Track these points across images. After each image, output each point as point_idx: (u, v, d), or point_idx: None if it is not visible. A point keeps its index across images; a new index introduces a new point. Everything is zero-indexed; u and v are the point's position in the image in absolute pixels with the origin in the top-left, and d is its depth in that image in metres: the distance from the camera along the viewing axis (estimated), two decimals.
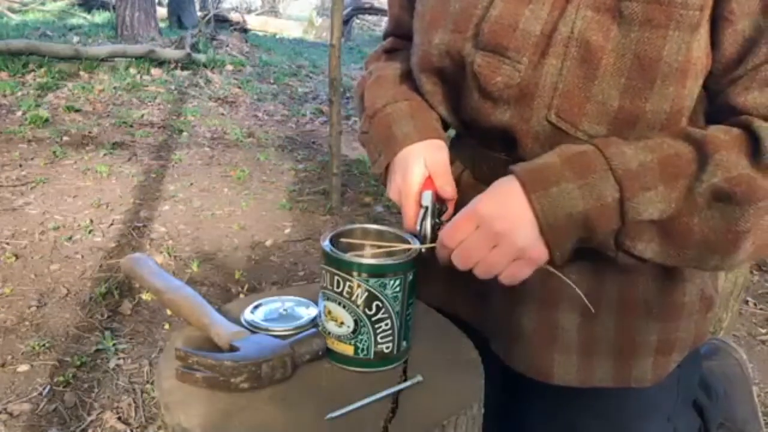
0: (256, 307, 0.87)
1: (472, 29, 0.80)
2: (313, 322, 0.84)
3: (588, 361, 0.85)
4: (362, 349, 0.75)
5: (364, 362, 0.76)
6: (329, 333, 0.77)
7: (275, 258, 3.15)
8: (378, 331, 0.74)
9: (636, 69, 0.71)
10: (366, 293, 0.73)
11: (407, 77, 0.96)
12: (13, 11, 10.46)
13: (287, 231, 3.46)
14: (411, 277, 0.75)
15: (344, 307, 0.74)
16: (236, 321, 0.82)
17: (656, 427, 0.92)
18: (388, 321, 0.74)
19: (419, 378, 0.74)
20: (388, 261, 0.74)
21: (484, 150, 0.87)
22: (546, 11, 0.74)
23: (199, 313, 0.82)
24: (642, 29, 0.70)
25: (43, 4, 11.45)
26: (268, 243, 3.29)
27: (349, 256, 0.73)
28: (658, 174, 0.68)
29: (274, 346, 0.74)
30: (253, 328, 0.82)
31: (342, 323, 0.75)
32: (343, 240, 0.80)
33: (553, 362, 0.86)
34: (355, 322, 0.74)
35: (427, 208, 0.83)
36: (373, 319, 0.74)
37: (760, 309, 2.85)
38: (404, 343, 0.78)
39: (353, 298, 0.73)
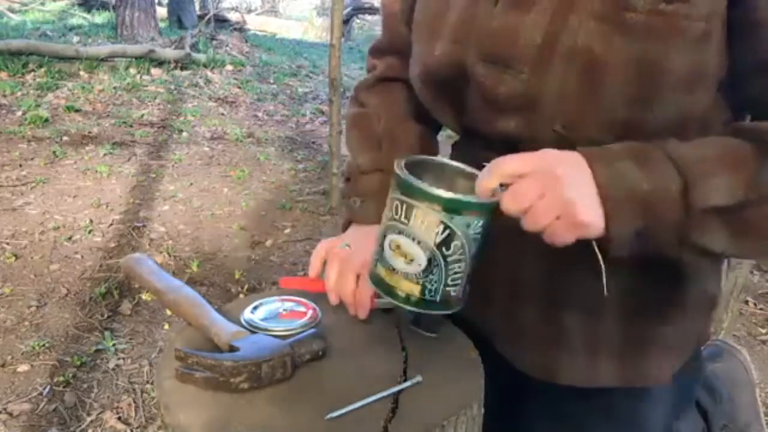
0: (255, 307, 0.87)
1: (473, 39, 0.79)
2: (313, 323, 0.83)
3: (594, 361, 0.85)
4: (430, 290, 0.69)
5: (429, 304, 0.70)
6: (393, 269, 0.70)
7: (275, 258, 3.14)
8: (450, 272, 0.69)
9: (641, 79, 0.70)
10: (447, 231, 0.67)
11: (390, 135, 0.97)
12: (13, 11, 10.46)
13: (287, 231, 3.46)
14: (492, 219, 0.69)
15: (418, 242, 0.68)
16: (236, 321, 0.82)
17: (658, 428, 0.92)
18: (463, 264, 0.69)
19: (419, 378, 0.74)
20: (479, 200, 0.67)
21: (489, 153, 0.86)
22: (546, 20, 0.74)
23: (198, 314, 0.82)
24: (646, 40, 0.69)
25: (43, 4, 11.45)
26: (268, 243, 3.29)
27: (434, 189, 0.66)
28: (719, 162, 0.66)
29: (274, 346, 0.74)
30: (252, 328, 0.82)
31: (412, 260, 0.69)
32: (414, 171, 0.70)
33: (558, 362, 0.86)
34: (429, 260, 0.68)
35: None
36: (449, 259, 0.68)
37: (760, 309, 2.85)
38: (468, 288, 0.72)
39: (431, 235, 0.67)
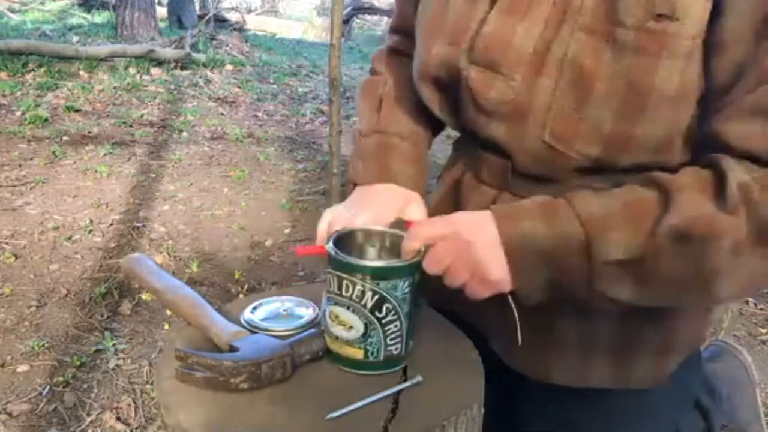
0: (255, 307, 0.87)
1: (467, 43, 0.80)
2: (313, 322, 0.83)
3: (586, 362, 0.85)
4: (372, 352, 0.75)
5: (373, 365, 0.75)
6: (336, 338, 0.76)
7: (275, 258, 3.14)
8: (388, 333, 0.74)
9: (628, 94, 0.71)
10: (376, 296, 0.72)
11: (392, 97, 0.99)
12: (13, 11, 10.46)
13: (287, 231, 3.46)
14: (418, 277, 0.75)
15: (353, 311, 0.73)
16: (236, 321, 0.82)
17: (657, 428, 0.92)
18: (398, 323, 0.74)
19: (419, 378, 0.74)
20: (399, 263, 0.74)
21: (486, 153, 0.87)
22: (539, 30, 0.74)
23: (198, 314, 0.82)
24: (634, 56, 0.69)
25: (43, 4, 11.44)
26: (268, 243, 3.29)
27: (358, 261, 0.73)
28: (621, 217, 0.69)
29: (273, 346, 0.74)
30: (252, 328, 0.81)
31: (351, 327, 0.74)
32: (345, 242, 0.79)
33: (551, 362, 0.86)
34: (365, 325, 0.73)
35: None
36: (383, 321, 0.73)
37: (760, 309, 2.85)
38: (410, 343, 0.77)
39: (363, 302, 0.72)
